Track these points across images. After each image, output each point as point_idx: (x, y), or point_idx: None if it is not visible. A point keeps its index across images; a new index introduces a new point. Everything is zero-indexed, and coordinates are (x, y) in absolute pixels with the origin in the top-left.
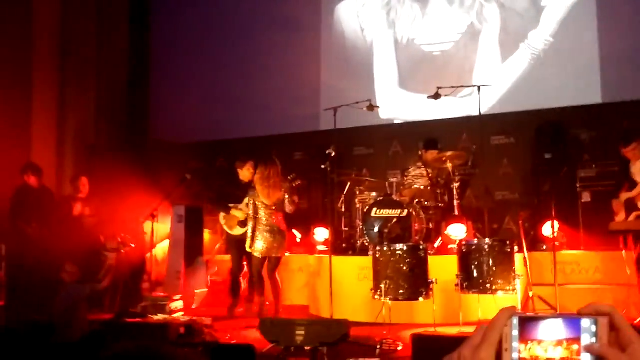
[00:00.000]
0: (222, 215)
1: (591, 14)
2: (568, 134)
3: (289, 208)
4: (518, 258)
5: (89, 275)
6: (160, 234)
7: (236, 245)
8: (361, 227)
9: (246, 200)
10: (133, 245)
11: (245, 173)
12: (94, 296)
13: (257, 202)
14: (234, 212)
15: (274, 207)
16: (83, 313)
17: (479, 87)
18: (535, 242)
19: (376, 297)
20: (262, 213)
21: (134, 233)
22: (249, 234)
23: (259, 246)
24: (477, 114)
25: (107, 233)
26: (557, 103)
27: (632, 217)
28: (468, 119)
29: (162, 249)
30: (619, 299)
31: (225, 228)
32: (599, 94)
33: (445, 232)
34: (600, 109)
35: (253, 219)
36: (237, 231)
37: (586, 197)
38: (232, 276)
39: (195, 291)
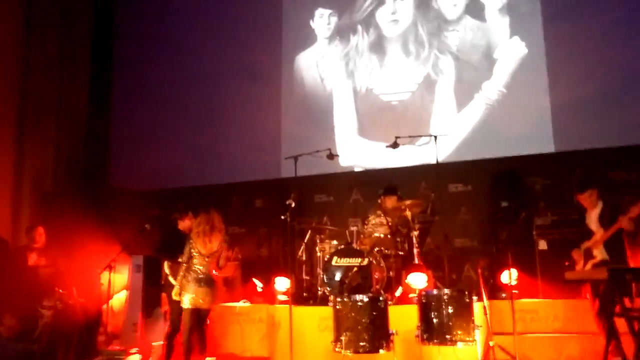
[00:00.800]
0: (166, 264)
1: (541, 66)
2: (523, 182)
3: (221, 263)
4: (478, 306)
5: (23, 334)
6: (117, 284)
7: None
8: (322, 275)
9: (186, 249)
10: (81, 300)
11: (185, 223)
12: (27, 358)
13: (192, 251)
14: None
15: (207, 258)
16: None
17: (435, 137)
18: (495, 290)
19: (337, 349)
20: (196, 262)
21: (90, 284)
22: (176, 283)
23: (187, 297)
24: (434, 162)
25: (59, 285)
26: (512, 151)
27: (588, 266)
28: (426, 167)
29: (119, 299)
30: (578, 347)
31: (170, 279)
32: (551, 142)
33: (406, 281)
34: (553, 157)
35: (185, 268)
36: None
37: (543, 245)
38: (170, 333)
39: (153, 344)
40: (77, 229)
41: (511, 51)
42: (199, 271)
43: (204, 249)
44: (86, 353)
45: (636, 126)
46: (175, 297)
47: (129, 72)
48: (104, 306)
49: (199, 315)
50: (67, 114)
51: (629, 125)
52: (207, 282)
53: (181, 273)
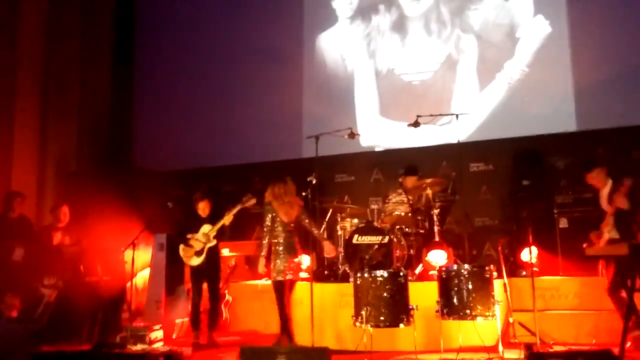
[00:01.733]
0: (181, 247)
1: (564, 45)
2: (545, 161)
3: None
4: (498, 284)
5: (24, 314)
6: (141, 262)
7: (195, 276)
8: (343, 253)
9: (205, 229)
10: (105, 278)
11: (202, 206)
12: (28, 338)
13: (275, 221)
14: (192, 242)
15: (292, 225)
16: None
17: (457, 116)
18: (515, 268)
19: (357, 324)
20: (279, 231)
21: (114, 262)
22: (263, 253)
23: (280, 267)
24: (455, 141)
25: (86, 263)
26: (534, 130)
27: (602, 243)
28: (447, 147)
29: (142, 277)
30: (598, 324)
31: (184, 260)
32: (574, 121)
33: (426, 259)
34: (576, 136)
35: (269, 238)
36: (194, 261)
37: (563, 223)
38: (193, 307)
39: (176, 320)
40: (101, 208)
41: (534, 30)
42: (283, 241)
43: (286, 217)
44: (110, 330)
45: None
46: (261, 270)
47: (151, 55)
48: (128, 284)
49: (285, 286)
50: (91, 96)
51: None
52: (293, 251)
53: (265, 242)
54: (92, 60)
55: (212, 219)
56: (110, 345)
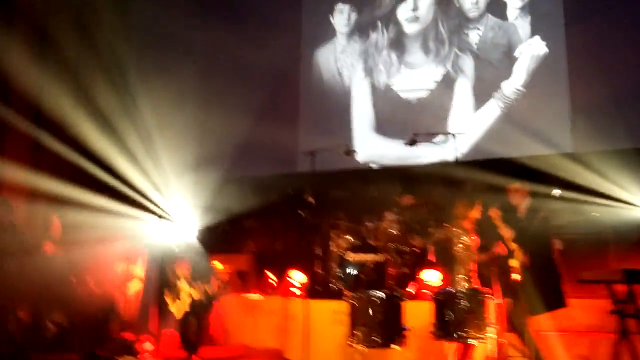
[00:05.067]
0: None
1: (562, 66)
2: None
3: None
4: (492, 304)
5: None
6: (134, 273)
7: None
8: (337, 270)
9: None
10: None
11: None
12: None
13: None
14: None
15: None
16: None
17: (453, 135)
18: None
19: (351, 343)
20: None
21: (105, 273)
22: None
23: None
24: (452, 159)
25: (78, 274)
26: (529, 151)
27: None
28: (443, 165)
29: (135, 289)
30: (590, 346)
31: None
32: (568, 143)
33: (420, 277)
34: (571, 158)
35: None
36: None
37: (558, 245)
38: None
39: (167, 332)
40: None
41: (531, 50)
42: None
43: None
44: (100, 341)
45: None
46: None
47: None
48: (119, 295)
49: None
50: None
51: None
52: None
53: None
54: None
55: None
56: (100, 357)
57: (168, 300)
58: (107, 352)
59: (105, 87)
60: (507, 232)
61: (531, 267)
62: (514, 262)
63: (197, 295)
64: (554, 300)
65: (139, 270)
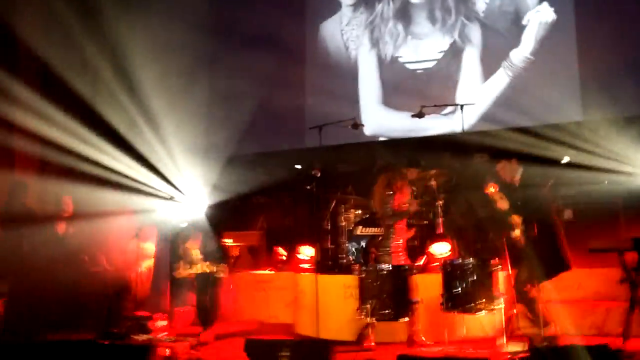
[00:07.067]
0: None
1: (570, 33)
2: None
3: None
4: (502, 275)
5: None
6: (145, 251)
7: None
8: (346, 245)
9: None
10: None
11: None
12: None
13: None
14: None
15: None
16: None
17: (461, 106)
18: None
19: (361, 316)
20: None
21: (118, 251)
22: None
23: None
24: (459, 131)
25: (91, 253)
26: (538, 120)
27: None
28: (451, 137)
29: (147, 267)
30: (603, 315)
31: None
32: (580, 111)
33: (429, 250)
34: (581, 125)
35: None
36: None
37: (568, 215)
38: (198, 302)
39: (180, 310)
40: None
41: (540, 17)
42: None
43: None
44: (115, 319)
45: None
46: None
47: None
48: (132, 273)
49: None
50: None
51: None
52: None
53: None
54: None
55: None
56: (115, 335)
57: (182, 270)
58: (122, 330)
59: (112, 64)
60: (504, 205)
61: (538, 235)
62: (516, 232)
63: (209, 271)
64: (558, 264)
65: (151, 248)
